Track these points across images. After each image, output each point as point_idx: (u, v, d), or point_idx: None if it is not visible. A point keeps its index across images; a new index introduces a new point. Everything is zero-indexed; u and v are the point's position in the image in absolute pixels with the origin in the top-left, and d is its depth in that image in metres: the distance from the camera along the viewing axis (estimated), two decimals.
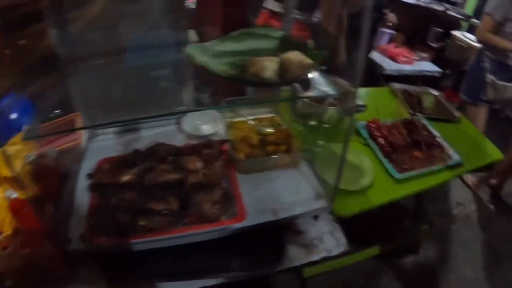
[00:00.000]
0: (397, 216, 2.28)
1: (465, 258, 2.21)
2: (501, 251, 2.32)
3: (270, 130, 1.20)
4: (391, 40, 3.13)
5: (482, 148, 1.56)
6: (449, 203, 2.62)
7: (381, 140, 1.37)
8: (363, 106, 1.64)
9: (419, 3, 2.98)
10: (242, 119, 1.29)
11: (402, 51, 2.89)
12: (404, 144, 1.40)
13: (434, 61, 3.15)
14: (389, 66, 2.79)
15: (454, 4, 3.21)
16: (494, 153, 1.56)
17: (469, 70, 2.27)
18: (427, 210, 2.48)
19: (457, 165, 1.39)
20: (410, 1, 2.85)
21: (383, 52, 2.96)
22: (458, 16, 3.14)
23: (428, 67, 3.03)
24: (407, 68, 2.85)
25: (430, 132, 1.52)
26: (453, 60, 3.18)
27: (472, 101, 2.20)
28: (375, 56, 2.92)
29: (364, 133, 1.44)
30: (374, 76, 2.58)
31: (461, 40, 3.06)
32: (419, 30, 3.38)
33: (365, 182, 1.21)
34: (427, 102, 1.82)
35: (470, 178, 2.92)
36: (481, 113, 2.22)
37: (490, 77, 2.03)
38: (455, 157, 1.41)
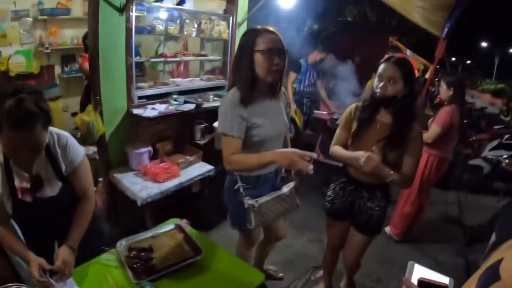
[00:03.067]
0: None
1: None
2: None
3: None
4: (155, 155, 2.92)
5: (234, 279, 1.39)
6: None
7: None
8: None
9: (171, 111, 2.88)
10: None
11: (162, 167, 2.55)
12: None
13: (206, 159, 3.11)
14: (149, 192, 2.34)
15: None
16: (254, 277, 1.42)
17: (227, 198, 1.86)
18: None
19: None
20: (151, 115, 2.70)
21: (145, 175, 2.56)
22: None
23: (199, 169, 2.89)
24: (173, 183, 2.53)
25: None
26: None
27: (241, 229, 1.88)
28: (134, 186, 2.44)
29: None
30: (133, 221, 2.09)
31: None
32: (183, 132, 3.31)
33: None
34: (158, 246, 1.56)
35: None
36: (256, 235, 1.96)
37: (247, 201, 1.63)
38: None
